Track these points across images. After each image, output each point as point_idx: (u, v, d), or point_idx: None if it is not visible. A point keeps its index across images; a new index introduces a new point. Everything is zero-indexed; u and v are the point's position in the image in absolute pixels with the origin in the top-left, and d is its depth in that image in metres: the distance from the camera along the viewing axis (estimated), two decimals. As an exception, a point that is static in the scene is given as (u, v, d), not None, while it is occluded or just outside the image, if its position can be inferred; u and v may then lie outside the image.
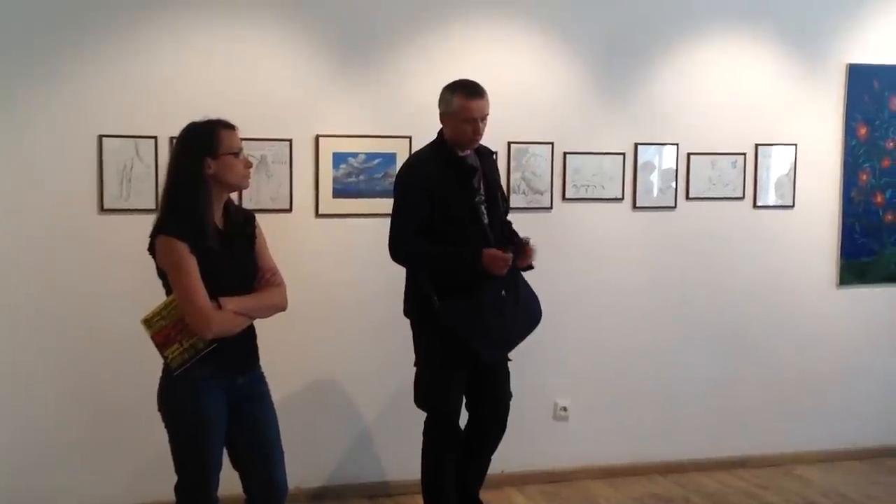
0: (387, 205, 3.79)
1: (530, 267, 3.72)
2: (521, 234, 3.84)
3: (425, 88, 4.04)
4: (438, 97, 3.67)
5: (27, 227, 4.04)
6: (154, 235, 2.84)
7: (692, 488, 4.71)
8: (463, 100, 3.58)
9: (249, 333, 2.99)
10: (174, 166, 2.89)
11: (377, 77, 4.42)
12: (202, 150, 2.83)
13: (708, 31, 4.85)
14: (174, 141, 3.01)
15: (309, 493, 4.43)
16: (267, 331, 3.09)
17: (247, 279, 2.95)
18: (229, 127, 2.91)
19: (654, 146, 4.81)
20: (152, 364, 2.93)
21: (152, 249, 2.86)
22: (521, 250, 3.62)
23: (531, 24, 4.59)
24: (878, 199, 5.16)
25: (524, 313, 3.70)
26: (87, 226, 4.09)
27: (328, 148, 4.34)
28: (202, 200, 2.83)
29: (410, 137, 4.35)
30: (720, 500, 4.56)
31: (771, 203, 5.00)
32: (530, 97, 4.60)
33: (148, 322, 2.85)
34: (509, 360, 3.81)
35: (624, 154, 4.75)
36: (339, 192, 4.37)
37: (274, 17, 4.27)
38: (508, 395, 3.85)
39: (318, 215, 4.37)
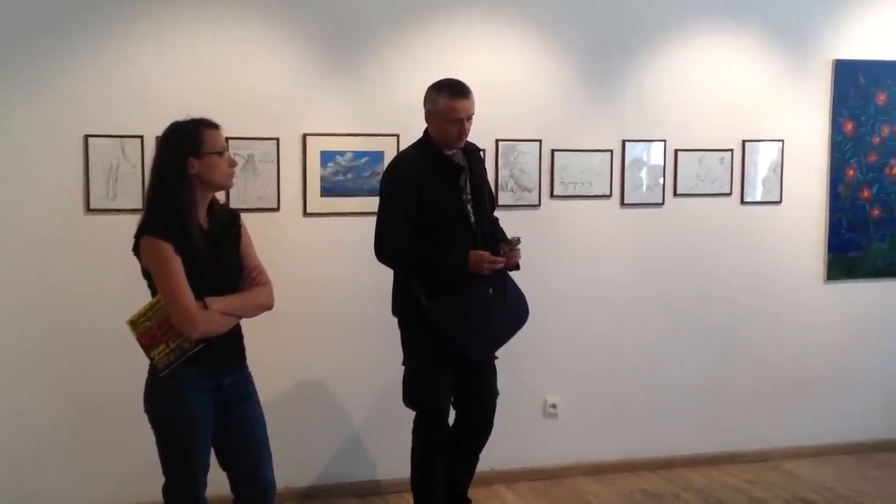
0: (375, 203, 3.77)
1: (517, 267, 3.72)
2: (509, 232, 3.83)
3: (413, 87, 4.01)
4: (424, 96, 3.66)
5: (13, 227, 4.02)
6: (138, 236, 2.83)
7: (681, 484, 4.73)
8: (448, 100, 3.56)
9: (236, 333, 2.98)
10: (158, 166, 2.88)
11: (364, 75, 4.41)
12: (185, 150, 2.82)
13: (695, 29, 4.86)
14: (157, 140, 2.99)
15: (298, 493, 4.42)
16: (254, 330, 3.08)
17: (233, 278, 2.94)
18: (213, 126, 2.90)
19: (641, 143, 4.81)
20: (139, 365, 2.92)
21: (137, 250, 2.84)
22: (510, 250, 3.62)
23: (519, 21, 4.59)
24: (865, 194, 5.17)
25: (511, 312, 3.70)
26: (73, 226, 4.08)
27: (316, 146, 4.34)
28: (186, 200, 2.82)
29: (398, 136, 4.35)
30: (709, 495, 4.58)
31: (758, 199, 5.02)
32: (518, 95, 4.59)
33: (134, 323, 2.84)
34: (496, 358, 3.81)
35: (612, 151, 4.76)
36: (326, 191, 4.37)
37: (261, 15, 4.26)
38: (495, 394, 3.85)
39: (305, 214, 4.36)
